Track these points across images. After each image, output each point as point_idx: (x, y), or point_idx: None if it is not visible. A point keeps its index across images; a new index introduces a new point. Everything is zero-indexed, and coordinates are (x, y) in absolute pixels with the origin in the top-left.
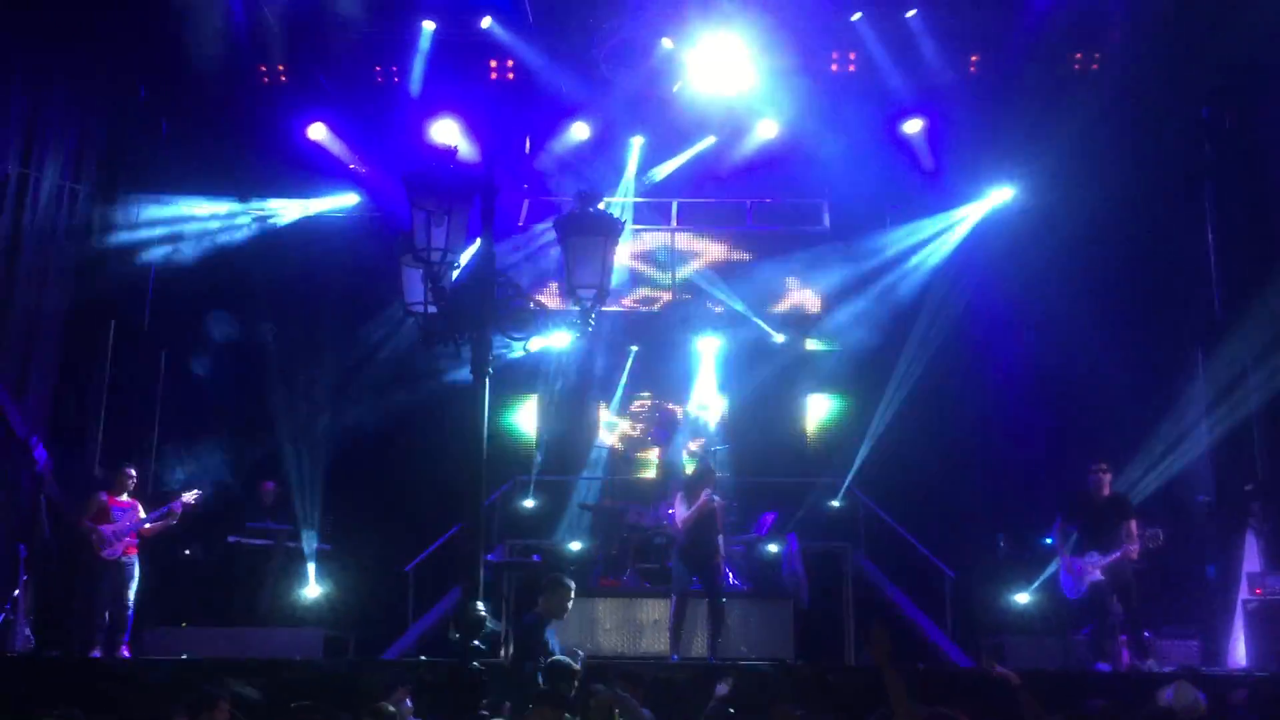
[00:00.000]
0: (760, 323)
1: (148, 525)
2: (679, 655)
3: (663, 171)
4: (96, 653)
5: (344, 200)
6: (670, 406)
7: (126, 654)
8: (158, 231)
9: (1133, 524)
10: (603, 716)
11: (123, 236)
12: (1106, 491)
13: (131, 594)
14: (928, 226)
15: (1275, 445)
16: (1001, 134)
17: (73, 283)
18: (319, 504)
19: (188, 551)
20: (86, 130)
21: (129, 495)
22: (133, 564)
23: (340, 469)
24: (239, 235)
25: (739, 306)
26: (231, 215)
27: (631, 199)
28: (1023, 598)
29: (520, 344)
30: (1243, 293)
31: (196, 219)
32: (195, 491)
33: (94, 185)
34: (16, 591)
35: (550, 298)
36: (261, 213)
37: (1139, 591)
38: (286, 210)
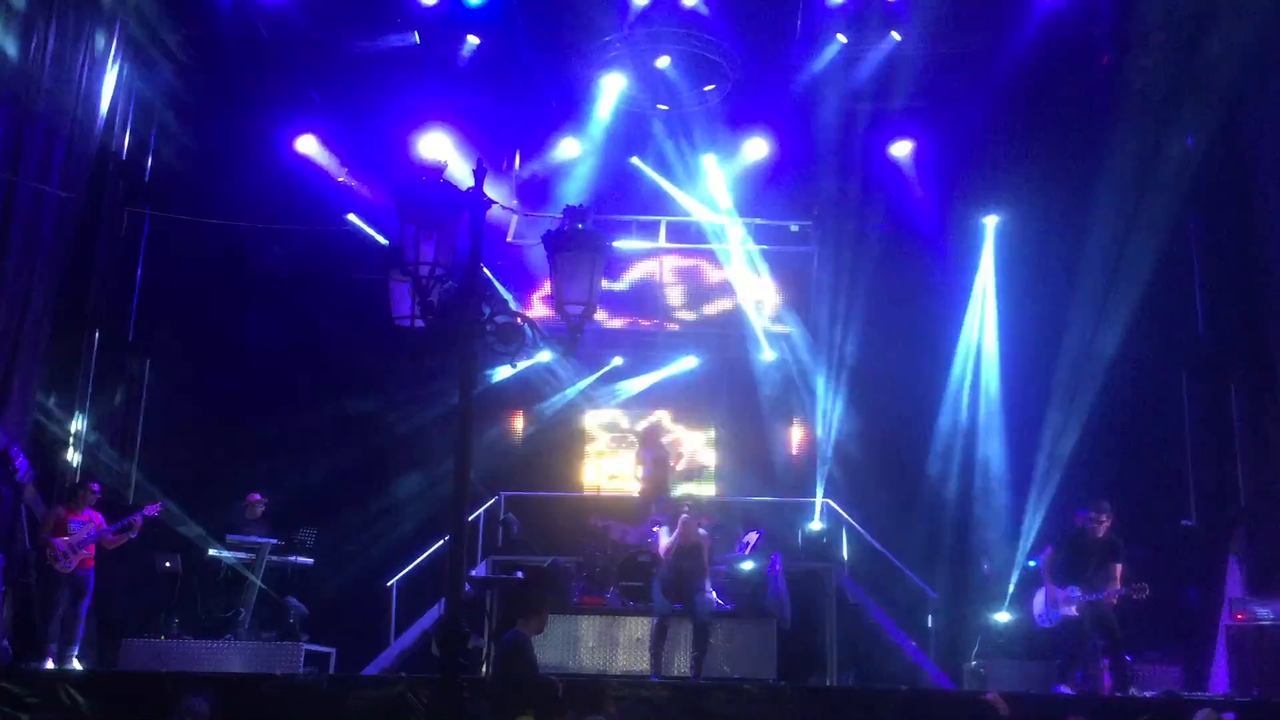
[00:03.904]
0: (760, 336)
1: (110, 537)
2: (659, 675)
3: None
4: (48, 663)
5: (332, 212)
6: (656, 427)
7: (76, 665)
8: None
9: (1118, 568)
10: None
11: (108, 247)
12: (1102, 534)
13: (84, 607)
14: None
15: (1257, 470)
16: (989, 159)
17: (57, 292)
18: (303, 517)
19: (168, 564)
20: (73, 139)
21: (92, 508)
22: (88, 577)
23: (325, 482)
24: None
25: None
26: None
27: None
28: (1002, 616)
29: (508, 363)
30: (1227, 318)
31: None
32: (159, 504)
33: (81, 194)
34: None
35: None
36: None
37: (1120, 622)
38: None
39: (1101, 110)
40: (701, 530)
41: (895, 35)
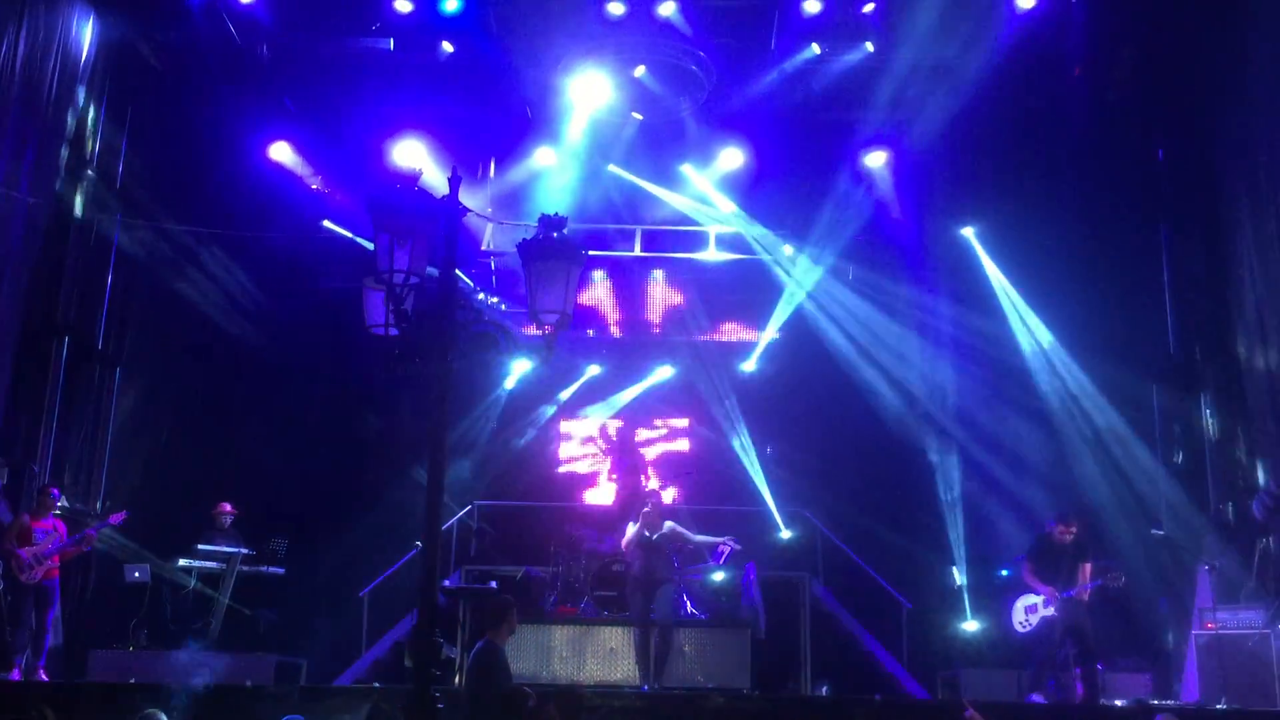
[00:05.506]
0: (740, 344)
1: (70, 549)
2: (649, 685)
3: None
4: (15, 674)
5: (306, 220)
6: (629, 434)
7: (44, 677)
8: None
9: (1088, 567)
10: None
11: (78, 254)
12: (1069, 542)
13: (50, 618)
14: None
15: (1227, 480)
16: (962, 170)
17: (25, 299)
18: (275, 526)
19: (137, 574)
20: (44, 145)
21: (55, 516)
22: (53, 588)
23: (297, 491)
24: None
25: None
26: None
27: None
28: (970, 626)
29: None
30: (1197, 330)
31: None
32: (122, 513)
33: (50, 201)
34: None
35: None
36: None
37: (1093, 628)
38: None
39: (1072, 123)
40: (669, 523)
41: (869, 46)
